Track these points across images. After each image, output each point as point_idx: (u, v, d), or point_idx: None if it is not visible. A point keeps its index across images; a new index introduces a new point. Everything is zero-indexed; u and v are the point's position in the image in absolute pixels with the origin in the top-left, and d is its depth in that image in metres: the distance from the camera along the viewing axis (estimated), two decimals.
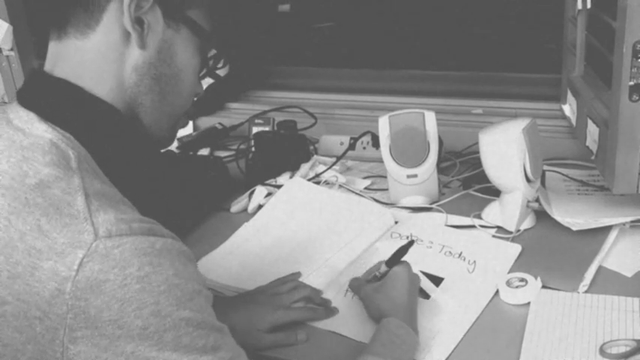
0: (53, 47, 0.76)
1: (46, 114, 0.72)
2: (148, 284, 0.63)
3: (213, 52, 0.87)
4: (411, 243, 1.05)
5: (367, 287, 1.04)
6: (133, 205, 0.72)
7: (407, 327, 0.94)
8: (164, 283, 0.64)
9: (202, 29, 0.80)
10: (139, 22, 0.74)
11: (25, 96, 0.75)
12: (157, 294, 0.64)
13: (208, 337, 0.67)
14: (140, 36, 0.74)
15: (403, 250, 1.04)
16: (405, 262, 1.04)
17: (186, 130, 1.80)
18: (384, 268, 1.04)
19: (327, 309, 1.06)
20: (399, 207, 1.36)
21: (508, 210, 1.22)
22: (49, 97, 0.74)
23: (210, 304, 0.71)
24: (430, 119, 1.32)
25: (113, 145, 0.76)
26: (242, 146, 1.65)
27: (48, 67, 0.76)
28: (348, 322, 1.04)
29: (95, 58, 0.74)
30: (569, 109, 1.43)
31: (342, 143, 1.62)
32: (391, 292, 1.00)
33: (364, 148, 1.60)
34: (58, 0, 0.75)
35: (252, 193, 1.42)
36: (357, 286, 1.07)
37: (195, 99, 0.87)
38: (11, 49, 1.69)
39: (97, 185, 0.68)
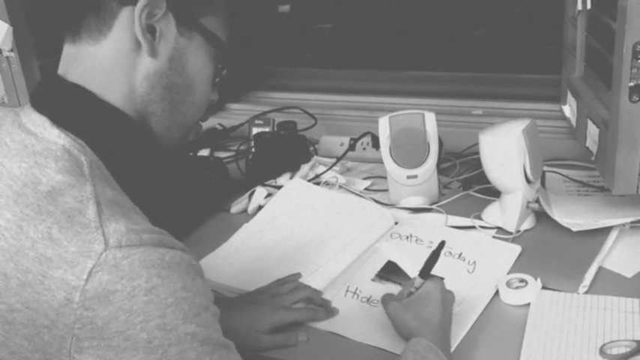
0: (67, 51, 0.76)
1: (59, 118, 0.72)
2: (155, 296, 0.63)
3: None
4: (442, 244, 1.00)
5: (395, 303, 0.98)
6: (143, 212, 0.72)
7: (437, 349, 0.87)
8: (171, 296, 0.64)
9: (217, 38, 0.79)
10: (150, 29, 0.73)
11: (38, 99, 0.75)
12: (163, 307, 0.63)
13: (213, 354, 0.66)
14: (151, 44, 0.74)
15: (435, 254, 0.99)
16: (438, 277, 1.00)
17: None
18: (418, 280, 0.99)
19: (327, 310, 1.05)
20: (399, 208, 1.36)
21: (508, 211, 1.22)
22: (61, 102, 0.74)
23: (217, 320, 0.70)
24: (430, 120, 1.32)
25: (124, 151, 0.75)
26: (242, 147, 1.65)
27: (61, 70, 0.76)
28: (348, 322, 1.03)
29: (106, 64, 0.74)
30: (569, 109, 1.43)
31: (342, 144, 1.62)
32: (422, 309, 0.94)
33: (364, 148, 1.60)
34: (71, 4, 0.75)
35: (252, 193, 1.42)
36: (386, 301, 1.01)
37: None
38: (11, 50, 1.69)
39: (109, 193, 0.68)
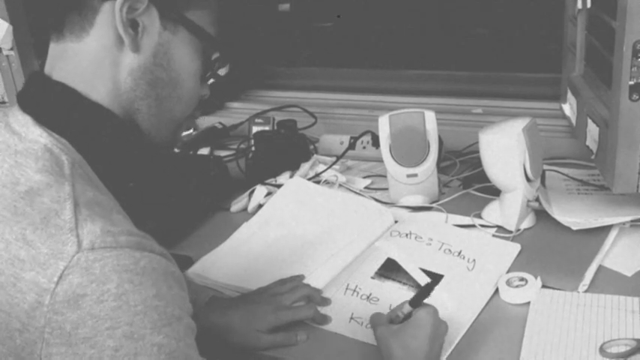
0: (52, 49, 0.75)
1: (42, 118, 0.71)
2: (124, 303, 0.61)
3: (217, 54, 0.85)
4: (437, 280, 0.96)
5: (384, 328, 0.91)
6: (129, 211, 0.70)
7: None
8: (142, 303, 0.62)
9: (203, 31, 0.77)
10: (133, 24, 0.72)
11: (23, 99, 0.74)
12: (132, 314, 0.61)
13: None
14: (133, 39, 0.72)
15: (428, 288, 0.95)
16: (431, 306, 0.92)
17: (187, 130, 1.80)
18: (407, 308, 0.92)
19: (323, 316, 1.04)
20: (399, 206, 1.36)
21: (508, 209, 1.22)
22: (45, 101, 0.73)
23: (192, 335, 0.67)
24: (430, 119, 1.32)
25: (110, 149, 0.74)
26: (242, 146, 1.65)
27: (47, 69, 0.75)
28: (348, 322, 1.03)
29: (90, 61, 0.73)
30: (569, 108, 1.43)
31: (342, 143, 1.62)
32: (410, 340, 0.87)
33: (364, 147, 1.60)
34: (52, 3, 0.74)
35: (252, 192, 1.42)
36: (375, 324, 0.95)
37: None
38: (11, 49, 1.69)
39: (89, 193, 0.67)
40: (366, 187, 1.46)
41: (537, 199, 1.24)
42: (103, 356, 0.60)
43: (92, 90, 0.73)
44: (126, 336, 0.61)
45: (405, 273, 1.12)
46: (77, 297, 0.60)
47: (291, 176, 1.48)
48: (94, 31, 0.72)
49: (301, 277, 1.12)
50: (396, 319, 0.94)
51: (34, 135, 0.69)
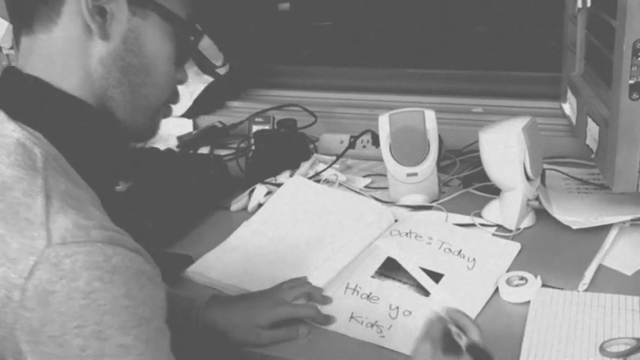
0: (24, 43, 0.75)
1: (16, 112, 0.70)
2: (93, 301, 0.60)
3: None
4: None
5: (427, 348, 0.82)
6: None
7: None
8: (110, 302, 0.61)
9: (174, 15, 0.76)
10: (100, 12, 0.72)
11: None
12: (100, 313, 0.60)
13: None
14: (101, 27, 0.72)
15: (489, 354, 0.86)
16: None
17: (187, 129, 1.80)
18: (466, 343, 0.84)
19: (326, 316, 1.03)
20: (399, 205, 1.36)
21: (508, 208, 1.22)
22: (18, 95, 0.72)
23: (162, 338, 0.66)
24: (430, 118, 1.32)
25: (85, 140, 0.73)
26: (242, 145, 1.65)
27: (20, 63, 0.75)
28: (348, 321, 1.03)
29: (60, 52, 0.72)
30: (569, 107, 1.43)
31: (342, 142, 1.62)
32: None
33: (364, 146, 1.60)
34: None
35: (252, 191, 1.42)
36: (429, 330, 0.85)
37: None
38: (11, 48, 1.68)
39: (62, 186, 0.66)
40: (366, 186, 1.46)
41: (537, 198, 1.24)
42: (70, 355, 0.60)
43: (64, 81, 0.72)
44: (94, 335, 0.60)
45: (405, 272, 1.12)
46: (46, 293, 0.59)
47: (291, 175, 1.48)
48: (62, 21, 0.72)
49: (303, 279, 1.11)
50: (447, 342, 0.84)
51: (7, 130, 0.69)
